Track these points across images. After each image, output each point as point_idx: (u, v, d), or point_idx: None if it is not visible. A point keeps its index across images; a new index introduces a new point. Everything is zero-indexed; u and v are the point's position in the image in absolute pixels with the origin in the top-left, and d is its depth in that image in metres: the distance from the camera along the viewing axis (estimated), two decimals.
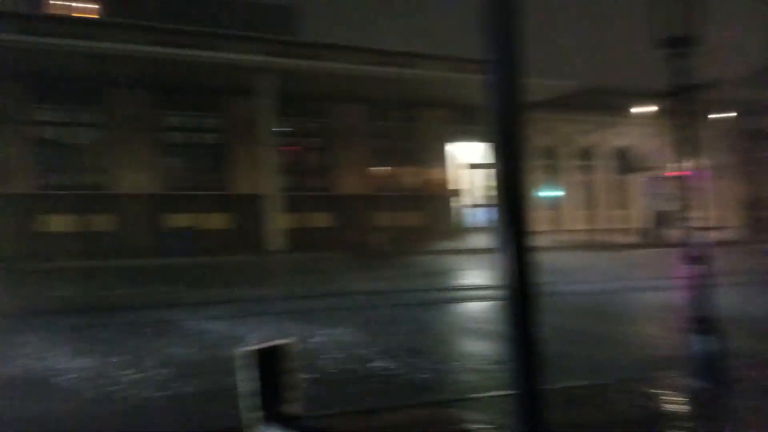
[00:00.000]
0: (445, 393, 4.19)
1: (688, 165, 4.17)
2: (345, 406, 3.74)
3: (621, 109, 20.30)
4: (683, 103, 4.10)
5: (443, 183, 18.77)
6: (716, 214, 20.38)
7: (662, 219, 18.70)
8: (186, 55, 14.15)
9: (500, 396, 3.66)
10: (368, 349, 5.40)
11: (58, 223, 13.94)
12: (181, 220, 14.91)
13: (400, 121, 18.16)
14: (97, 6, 19.32)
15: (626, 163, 20.87)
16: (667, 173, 18.24)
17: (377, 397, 4.07)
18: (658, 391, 3.90)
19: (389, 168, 18.34)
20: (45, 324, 6.65)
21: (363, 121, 17.54)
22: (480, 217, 18.64)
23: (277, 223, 14.87)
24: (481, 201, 18.98)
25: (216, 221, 15.48)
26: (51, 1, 19.02)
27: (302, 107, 16.51)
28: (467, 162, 19.34)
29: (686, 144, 4.15)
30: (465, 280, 11.08)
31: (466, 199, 19.32)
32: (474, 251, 14.68)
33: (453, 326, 6.83)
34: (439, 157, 18.71)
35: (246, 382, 2.40)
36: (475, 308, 8.11)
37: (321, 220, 16.64)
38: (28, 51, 12.86)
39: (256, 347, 2.43)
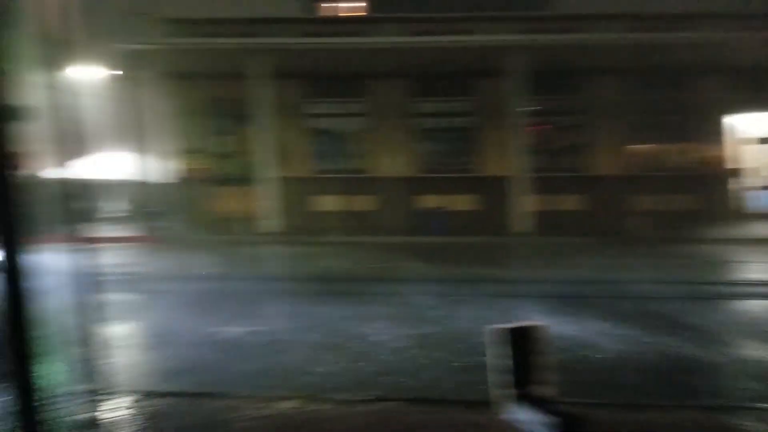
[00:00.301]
0: (720, 399, 3.61)
1: None
2: (600, 398, 3.47)
3: None
4: None
5: (719, 161, 16.31)
6: None
7: None
8: (438, 42, 14.63)
9: None
10: (627, 342, 4.94)
11: (327, 202, 15.80)
12: (432, 201, 15.63)
13: (666, 92, 16.23)
14: (359, 4, 21.15)
15: None
16: None
17: (637, 394, 3.69)
18: None
19: (652, 145, 16.57)
20: (310, 289, 7.53)
21: (622, 94, 16.11)
22: None
23: (525, 204, 14.59)
24: None
25: (464, 203, 15.85)
26: (322, 5, 21.41)
27: (554, 84, 15.83)
28: (753, 136, 16.49)
29: None
30: (747, 274, 9.50)
31: (749, 180, 16.53)
32: (759, 241, 12.55)
33: (731, 325, 5.87)
34: (715, 131, 16.29)
35: (497, 359, 2.35)
36: (760, 307, 6.89)
37: (572, 202, 15.85)
38: (305, 51, 14.69)
39: (509, 326, 2.38)
